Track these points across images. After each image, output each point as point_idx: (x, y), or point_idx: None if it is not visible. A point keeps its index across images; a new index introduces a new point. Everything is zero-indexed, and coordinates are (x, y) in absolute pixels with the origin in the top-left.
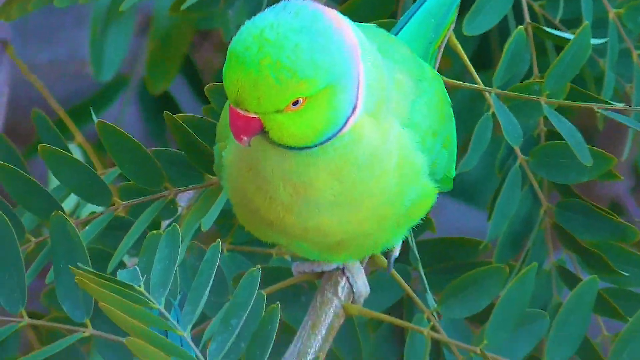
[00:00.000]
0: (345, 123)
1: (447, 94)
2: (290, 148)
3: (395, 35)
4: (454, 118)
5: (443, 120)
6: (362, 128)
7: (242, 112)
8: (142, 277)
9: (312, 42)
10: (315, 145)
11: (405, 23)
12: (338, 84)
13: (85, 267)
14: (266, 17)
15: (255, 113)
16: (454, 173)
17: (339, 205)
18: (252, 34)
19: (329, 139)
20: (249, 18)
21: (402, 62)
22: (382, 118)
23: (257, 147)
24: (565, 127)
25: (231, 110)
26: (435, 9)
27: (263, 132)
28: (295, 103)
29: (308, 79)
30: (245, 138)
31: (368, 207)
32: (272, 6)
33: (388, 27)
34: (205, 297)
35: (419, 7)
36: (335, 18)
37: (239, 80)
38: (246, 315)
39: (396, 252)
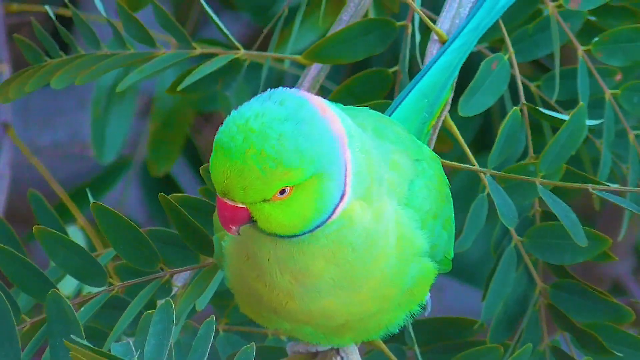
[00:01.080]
0: (334, 210)
1: (445, 175)
2: (280, 236)
3: (390, 115)
4: (452, 199)
5: (443, 202)
6: (352, 212)
7: (229, 202)
8: (136, 352)
9: (297, 131)
10: (305, 233)
11: (399, 104)
12: (325, 172)
13: (80, 341)
14: (252, 107)
15: (242, 203)
16: (452, 254)
17: (340, 288)
18: (237, 123)
19: (318, 226)
20: (250, 99)
21: (398, 142)
22: (374, 200)
23: (251, 236)
24: (560, 208)
25: (218, 200)
26: (427, 89)
27: (252, 221)
28: (282, 192)
29: (293, 168)
30: (234, 227)
31: (369, 287)
32: (259, 95)
33: (383, 108)
34: None
35: (412, 88)
36: (321, 106)
37: (225, 171)
38: None
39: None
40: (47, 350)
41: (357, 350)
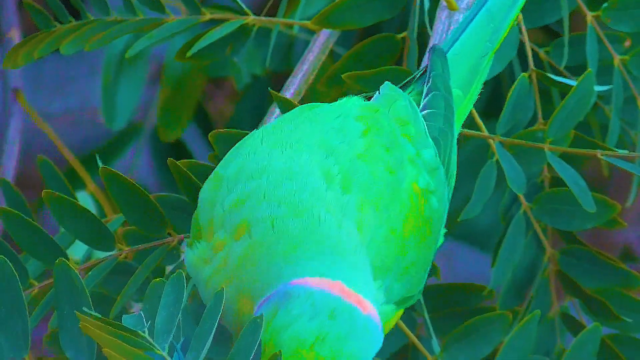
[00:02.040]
0: None
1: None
2: None
3: (447, 52)
4: (430, 232)
5: (404, 252)
6: None
7: None
8: (147, 322)
9: (357, 347)
10: None
11: (460, 34)
12: None
13: (90, 312)
14: (305, 328)
15: None
16: (420, 287)
17: None
18: (302, 350)
19: None
20: (260, 64)
21: (367, 189)
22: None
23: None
24: (568, 174)
25: None
26: (496, 9)
27: None
28: None
29: None
30: None
31: None
32: (294, 304)
33: (392, 74)
34: (208, 346)
35: (477, 12)
36: (359, 302)
37: None
38: None
39: None
40: (54, 315)
41: None
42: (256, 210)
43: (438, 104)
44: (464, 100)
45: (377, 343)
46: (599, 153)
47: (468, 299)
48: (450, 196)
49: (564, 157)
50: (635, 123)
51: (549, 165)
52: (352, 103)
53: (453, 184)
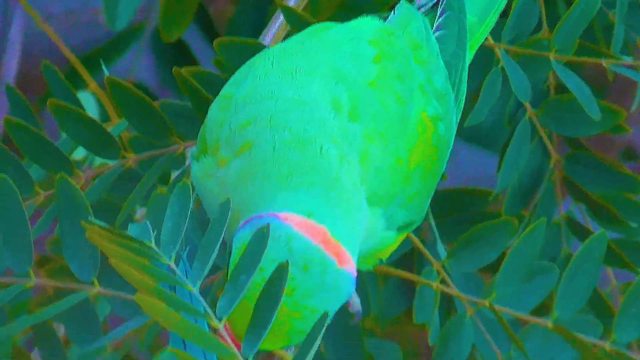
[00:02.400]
0: None
1: (444, 135)
2: None
3: None
4: (439, 161)
5: (409, 182)
6: None
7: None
8: (152, 232)
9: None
10: None
11: None
12: None
13: (96, 221)
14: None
15: None
16: (423, 214)
17: None
18: None
19: None
20: None
21: (377, 119)
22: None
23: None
24: (573, 81)
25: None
26: None
27: None
28: None
29: None
30: None
31: None
32: (272, 245)
33: None
34: (214, 254)
35: None
36: (336, 253)
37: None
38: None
39: (353, 306)
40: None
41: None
42: (261, 133)
43: (452, 25)
44: (480, 28)
45: (345, 296)
46: (604, 62)
47: (474, 203)
48: (458, 120)
49: (568, 64)
50: (639, 28)
51: (554, 72)
52: (366, 25)
53: (462, 107)
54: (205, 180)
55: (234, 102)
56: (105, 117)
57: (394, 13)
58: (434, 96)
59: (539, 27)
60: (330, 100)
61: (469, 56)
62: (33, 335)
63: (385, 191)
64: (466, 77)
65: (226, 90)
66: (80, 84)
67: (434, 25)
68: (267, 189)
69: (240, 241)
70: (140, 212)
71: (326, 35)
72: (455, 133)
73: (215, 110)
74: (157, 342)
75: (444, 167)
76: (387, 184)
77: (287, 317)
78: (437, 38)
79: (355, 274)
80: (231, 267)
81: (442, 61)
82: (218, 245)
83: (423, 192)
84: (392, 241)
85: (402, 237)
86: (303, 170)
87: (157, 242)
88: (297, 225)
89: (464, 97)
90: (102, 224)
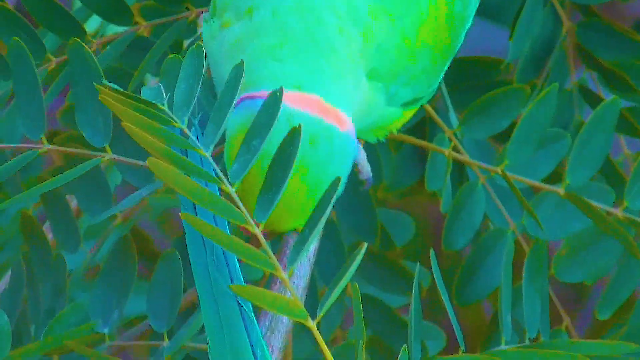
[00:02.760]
0: None
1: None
2: None
3: None
4: (448, 41)
5: (415, 61)
6: None
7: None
8: (165, 96)
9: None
10: None
11: None
12: None
13: (110, 84)
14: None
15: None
16: (431, 89)
17: None
18: None
19: None
20: None
21: None
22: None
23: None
24: None
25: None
26: None
27: None
28: None
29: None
30: None
31: None
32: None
33: None
34: (227, 119)
35: None
36: (337, 119)
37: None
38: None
39: (364, 173)
40: (71, 90)
41: (360, 145)
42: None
43: None
44: None
45: (353, 155)
46: None
47: (486, 72)
48: None
49: None
50: None
51: None
52: None
53: None
54: (210, 42)
55: None
56: None
57: None
58: None
59: None
60: None
61: None
62: (44, 208)
63: (387, 68)
64: None
65: None
66: None
67: None
68: (257, 60)
69: (235, 124)
70: (152, 82)
71: None
72: (475, 7)
73: None
74: (166, 215)
75: (459, 44)
76: (390, 62)
77: (303, 192)
78: None
79: (354, 133)
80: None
81: None
82: (231, 109)
83: (431, 71)
84: (397, 116)
85: (410, 112)
86: (296, 37)
87: (170, 107)
88: (291, 101)
89: None
90: (116, 87)
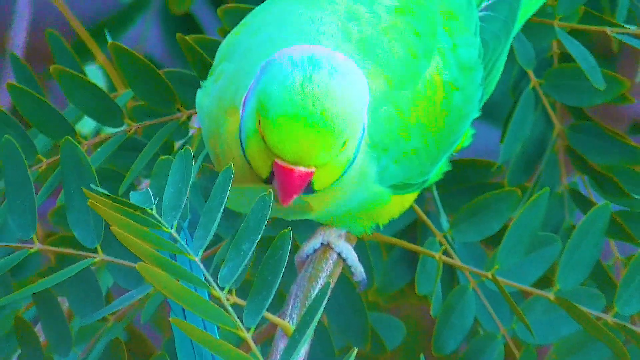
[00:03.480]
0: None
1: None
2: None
3: None
4: (447, 123)
5: (407, 137)
6: (360, 170)
7: (298, 169)
8: (154, 199)
9: (349, 90)
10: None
11: None
12: (357, 133)
13: (98, 189)
14: (294, 74)
15: (315, 166)
16: (422, 178)
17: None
18: (295, 92)
19: None
20: None
21: (382, 63)
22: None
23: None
24: (577, 50)
25: (284, 171)
26: None
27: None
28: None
29: (355, 122)
30: (295, 196)
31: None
32: (292, 64)
33: None
34: (217, 222)
35: None
36: (351, 63)
37: (302, 140)
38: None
39: (357, 275)
40: (62, 192)
41: (350, 247)
42: (256, 34)
43: (501, 9)
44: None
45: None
46: (608, 30)
47: (477, 174)
48: (484, 100)
49: (573, 32)
50: None
51: (558, 40)
52: None
53: (492, 89)
54: (203, 101)
55: (238, 26)
56: (113, 91)
57: None
58: (456, 65)
59: None
60: (340, 28)
61: (518, 24)
62: (36, 309)
63: (379, 136)
64: (502, 65)
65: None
66: (88, 56)
67: (483, 3)
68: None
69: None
70: (144, 184)
71: None
72: (476, 112)
73: (224, 41)
74: (159, 314)
75: (456, 140)
76: (382, 130)
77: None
78: (481, 17)
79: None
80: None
81: (479, 38)
82: (220, 213)
83: (423, 154)
84: (384, 198)
85: (397, 199)
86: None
87: (159, 210)
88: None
89: (496, 81)
90: (104, 191)
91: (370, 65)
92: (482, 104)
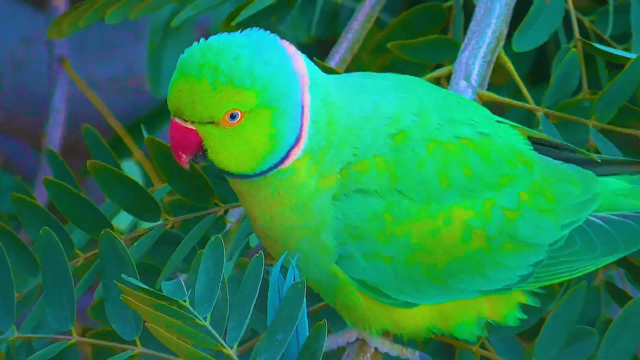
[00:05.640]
0: (287, 156)
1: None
2: (232, 175)
3: None
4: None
5: (384, 241)
6: (301, 169)
7: (180, 123)
8: (187, 291)
9: (255, 55)
10: (256, 175)
11: None
12: (278, 107)
13: (131, 282)
14: (221, 35)
15: (192, 123)
16: (399, 296)
17: (271, 239)
18: (200, 45)
19: (270, 169)
20: (305, 32)
21: (408, 165)
22: (325, 167)
23: None
24: (609, 149)
25: (171, 124)
26: None
27: (202, 152)
28: (233, 117)
29: (244, 89)
30: (184, 156)
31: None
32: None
33: (440, 44)
34: (250, 313)
35: None
36: (290, 47)
37: (178, 86)
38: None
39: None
40: (99, 286)
41: (386, 340)
42: None
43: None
44: None
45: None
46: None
47: None
48: (533, 285)
49: (607, 131)
50: None
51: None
52: (514, 137)
53: (550, 282)
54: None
55: None
56: (150, 186)
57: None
58: (502, 226)
59: (579, 87)
60: (399, 112)
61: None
62: None
63: (351, 218)
64: (581, 272)
65: None
66: (125, 152)
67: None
68: None
69: None
70: (181, 278)
71: None
72: (515, 285)
73: None
74: None
75: (464, 291)
76: (357, 215)
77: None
78: (611, 220)
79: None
80: None
81: (566, 232)
82: (252, 304)
83: (402, 270)
84: (348, 290)
85: (375, 306)
86: None
87: (192, 302)
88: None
89: (560, 279)
90: (140, 284)
91: (389, 156)
92: (530, 287)
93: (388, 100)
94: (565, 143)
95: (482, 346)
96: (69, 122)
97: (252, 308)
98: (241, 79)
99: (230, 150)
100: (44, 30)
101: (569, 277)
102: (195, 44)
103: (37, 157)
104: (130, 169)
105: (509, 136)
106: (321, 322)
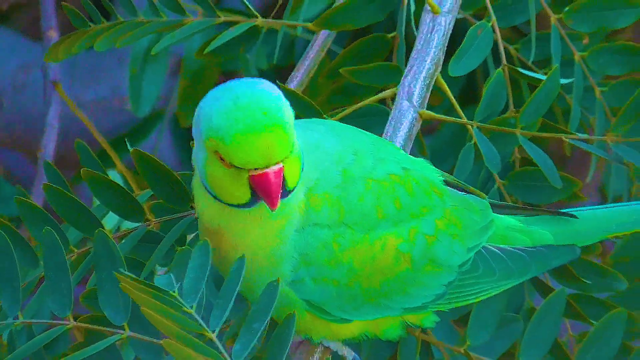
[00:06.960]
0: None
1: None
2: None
3: None
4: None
5: (334, 266)
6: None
7: (274, 168)
8: (176, 284)
9: (280, 100)
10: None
11: None
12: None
13: (128, 274)
14: (248, 91)
15: (282, 161)
16: (340, 314)
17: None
18: (241, 109)
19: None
20: (266, 60)
21: (352, 200)
22: (297, 199)
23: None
24: (538, 155)
25: (260, 178)
26: None
27: (284, 187)
28: None
29: (290, 119)
30: (277, 200)
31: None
32: (226, 88)
33: (385, 70)
34: (231, 304)
35: None
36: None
37: (261, 144)
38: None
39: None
40: (91, 278)
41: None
42: None
43: (532, 259)
44: None
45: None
46: (564, 137)
47: None
48: (448, 305)
49: (532, 140)
50: (593, 109)
51: (519, 147)
52: (429, 169)
53: (461, 304)
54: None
55: None
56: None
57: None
58: (423, 250)
59: (506, 107)
60: (339, 157)
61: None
62: None
63: (306, 248)
64: (484, 294)
65: None
66: (109, 164)
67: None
68: None
69: None
70: (160, 271)
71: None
72: (430, 301)
73: None
74: None
75: (391, 309)
76: (311, 246)
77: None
78: (509, 252)
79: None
80: None
81: (472, 255)
82: (234, 296)
83: (344, 292)
84: (297, 306)
85: (318, 321)
86: None
87: (181, 293)
88: None
89: (467, 302)
90: (133, 275)
91: (336, 192)
92: (444, 305)
93: (329, 142)
94: (461, 182)
95: (423, 331)
96: (61, 137)
97: (233, 301)
98: (290, 121)
99: (294, 170)
100: (40, 58)
101: (475, 300)
102: (230, 111)
103: (34, 167)
104: (115, 177)
105: (423, 169)
106: (291, 312)
